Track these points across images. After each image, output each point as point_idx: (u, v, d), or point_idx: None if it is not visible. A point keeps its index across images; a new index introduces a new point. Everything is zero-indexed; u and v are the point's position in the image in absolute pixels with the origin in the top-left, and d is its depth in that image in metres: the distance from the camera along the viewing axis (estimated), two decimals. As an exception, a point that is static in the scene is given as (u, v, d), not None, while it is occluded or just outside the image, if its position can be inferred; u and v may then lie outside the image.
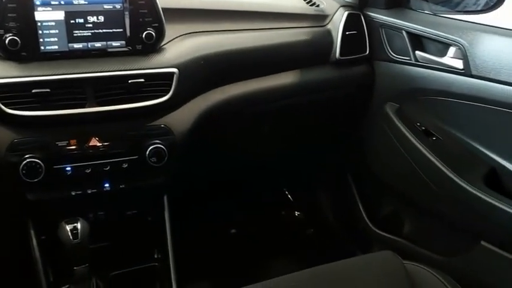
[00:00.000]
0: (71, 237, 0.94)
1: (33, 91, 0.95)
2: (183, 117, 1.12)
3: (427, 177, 1.19)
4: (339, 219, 1.69)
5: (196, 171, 1.36)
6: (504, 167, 1.06)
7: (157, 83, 1.05)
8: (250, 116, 1.28)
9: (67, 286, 1.06)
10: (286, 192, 1.93)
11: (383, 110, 1.31)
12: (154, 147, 1.06)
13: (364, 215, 1.50)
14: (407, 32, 1.20)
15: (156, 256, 1.24)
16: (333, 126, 1.51)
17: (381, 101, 1.33)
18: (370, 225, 1.48)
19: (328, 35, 1.30)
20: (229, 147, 1.35)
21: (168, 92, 1.06)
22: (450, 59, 1.12)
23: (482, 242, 1.11)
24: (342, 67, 1.32)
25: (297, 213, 1.90)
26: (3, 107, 0.94)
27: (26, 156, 0.97)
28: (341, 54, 1.29)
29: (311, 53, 1.30)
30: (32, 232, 1.09)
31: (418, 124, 1.24)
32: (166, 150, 1.07)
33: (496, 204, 1.03)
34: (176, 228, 1.20)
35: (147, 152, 1.06)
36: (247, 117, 1.28)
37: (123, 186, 1.10)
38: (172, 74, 1.06)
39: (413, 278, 1.06)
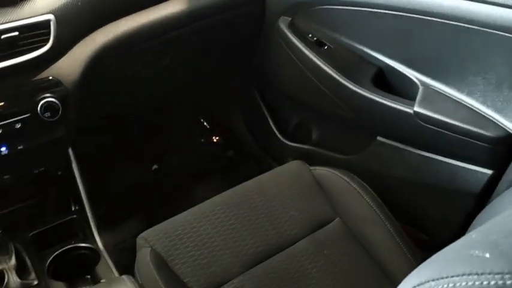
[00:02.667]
0: (-26, 209, 0.91)
1: None
2: (70, 66, 1.06)
3: (323, 86, 1.25)
4: (255, 137, 1.75)
5: (100, 113, 1.32)
6: (389, 65, 1.14)
7: (33, 33, 0.98)
8: (145, 51, 1.24)
9: (-15, 256, 1.05)
10: (202, 120, 1.95)
11: (276, 25, 1.33)
12: (45, 102, 1.02)
13: (275, 130, 1.56)
14: None
15: (73, 208, 1.23)
16: (232, 48, 1.51)
17: (273, 16, 1.34)
18: (282, 138, 1.55)
19: None
20: (131, 85, 1.31)
21: (48, 42, 0.99)
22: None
23: (378, 138, 1.21)
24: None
25: (215, 138, 1.94)
26: None
27: None
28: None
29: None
30: None
31: (310, 35, 1.27)
32: (59, 102, 1.03)
33: (384, 101, 1.11)
34: (89, 175, 1.20)
35: (39, 108, 1.01)
36: (142, 54, 1.24)
37: (21, 147, 1.06)
38: (48, 21, 0.99)
39: (320, 181, 1.15)
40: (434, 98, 1.06)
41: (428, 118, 1.04)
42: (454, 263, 0.31)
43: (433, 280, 0.30)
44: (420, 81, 1.10)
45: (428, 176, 1.13)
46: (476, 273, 0.29)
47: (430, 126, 1.05)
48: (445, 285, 0.30)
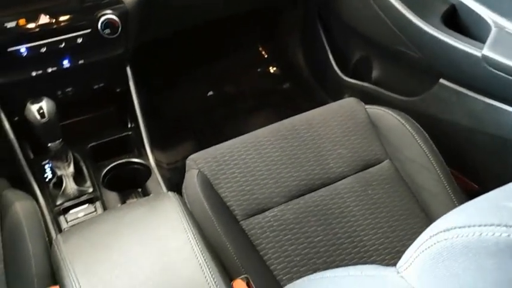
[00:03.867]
0: (38, 117, 0.97)
1: None
2: (131, -17, 1.07)
3: (390, 20, 1.18)
4: (313, 71, 1.70)
5: (158, 33, 1.33)
6: (462, 3, 1.05)
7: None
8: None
9: (46, 161, 1.14)
10: (260, 49, 1.92)
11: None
12: (106, 19, 1.04)
13: (334, 64, 1.51)
14: None
15: (129, 126, 1.29)
16: None
17: None
18: (340, 73, 1.50)
19: None
20: (190, 3, 1.29)
21: None
22: None
23: (441, 80, 1.14)
24: None
25: (272, 69, 1.91)
26: None
27: None
28: None
29: None
30: (3, 115, 1.12)
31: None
32: (119, 20, 1.05)
33: (452, 42, 1.04)
34: (147, 95, 1.23)
35: (100, 25, 1.04)
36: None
37: (82, 61, 1.10)
38: None
39: (374, 120, 1.12)
40: (506, 41, 0.98)
41: (497, 63, 0.96)
42: (485, 213, 0.29)
43: (459, 227, 0.29)
44: (494, 22, 1.01)
45: (489, 124, 1.07)
46: (506, 225, 0.27)
47: (498, 72, 0.97)
48: (471, 234, 0.28)
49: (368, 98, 1.26)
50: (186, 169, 1.01)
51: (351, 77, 1.49)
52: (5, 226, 0.91)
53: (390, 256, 0.95)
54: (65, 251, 0.69)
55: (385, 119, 1.11)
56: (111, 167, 1.15)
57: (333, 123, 1.10)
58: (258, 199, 0.97)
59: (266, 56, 1.91)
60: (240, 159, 1.02)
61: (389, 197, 1.01)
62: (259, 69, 1.91)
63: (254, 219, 0.95)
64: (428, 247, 0.34)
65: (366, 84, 1.43)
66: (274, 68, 1.90)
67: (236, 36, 1.80)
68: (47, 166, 1.14)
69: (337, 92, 1.54)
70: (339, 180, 1.02)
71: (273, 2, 1.62)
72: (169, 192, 0.79)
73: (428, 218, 1.00)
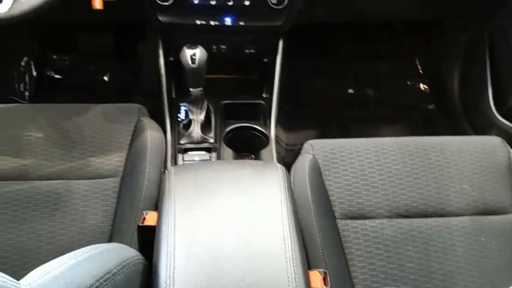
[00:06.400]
0: (189, 62, 1.05)
1: None
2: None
3: None
4: (464, 98, 1.59)
5: (319, 17, 1.34)
6: None
7: None
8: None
9: (184, 104, 1.23)
10: (416, 62, 1.83)
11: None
12: None
13: (490, 98, 1.39)
14: None
15: (264, 95, 1.33)
16: None
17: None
18: (494, 109, 1.37)
19: None
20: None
21: None
22: None
23: None
24: None
25: (421, 85, 1.82)
26: None
27: None
28: None
29: None
30: (161, 52, 1.24)
31: None
32: None
33: None
34: (290, 72, 1.25)
35: None
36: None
37: (242, 23, 1.16)
38: None
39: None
40: None
41: None
42: None
43: None
44: None
45: None
46: None
47: None
48: None
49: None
50: (302, 152, 1.02)
51: (504, 116, 1.36)
52: (132, 147, 1.01)
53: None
54: (173, 182, 0.74)
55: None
56: (236, 126, 1.21)
57: (467, 156, 1.02)
58: (362, 204, 0.95)
59: (419, 70, 1.82)
60: (356, 159, 1.00)
61: (502, 253, 0.91)
62: (408, 82, 1.83)
63: (352, 223, 0.93)
64: None
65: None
66: (424, 86, 1.81)
67: (393, 41, 1.74)
68: (183, 108, 1.24)
69: (483, 127, 1.42)
70: (454, 216, 0.95)
71: (447, 16, 1.53)
72: (279, 164, 0.81)
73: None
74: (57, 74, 1.76)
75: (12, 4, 0.87)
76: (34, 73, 1.74)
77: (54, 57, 1.77)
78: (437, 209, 0.95)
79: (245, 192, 0.73)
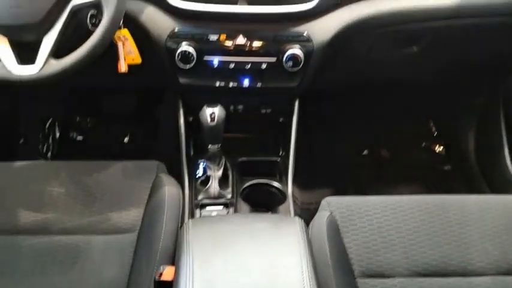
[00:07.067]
0: (208, 119, 1.09)
1: None
2: (324, 27, 1.14)
3: None
4: (480, 159, 1.58)
5: (330, 80, 1.39)
6: None
7: (305, -11, 1.08)
8: (399, 33, 1.23)
9: (202, 160, 1.26)
10: (431, 124, 1.86)
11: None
12: (291, 53, 1.13)
13: (508, 159, 1.39)
14: None
15: (280, 153, 1.36)
16: (498, 55, 1.36)
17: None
18: (511, 168, 1.37)
19: None
20: (369, 60, 1.33)
21: (314, 0, 1.09)
22: None
23: None
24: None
25: (437, 147, 1.83)
26: (168, -1, 1.09)
27: (182, 44, 1.12)
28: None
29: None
30: (181, 112, 1.29)
31: None
32: (303, 56, 1.13)
33: None
34: (304, 130, 1.28)
35: (285, 56, 1.13)
36: (394, 34, 1.24)
37: (259, 84, 1.20)
38: None
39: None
40: None
41: None
42: None
43: None
44: None
45: None
46: None
47: None
48: None
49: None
50: (319, 208, 1.02)
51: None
52: (150, 202, 1.03)
53: None
54: (191, 234, 0.75)
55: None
56: (253, 183, 1.22)
57: (488, 215, 1.01)
58: (381, 262, 0.93)
59: (434, 132, 1.84)
60: (374, 216, 0.99)
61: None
62: (423, 144, 1.84)
63: (371, 281, 0.91)
64: None
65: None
66: (440, 147, 1.82)
67: (408, 102, 1.78)
68: (201, 165, 1.27)
69: (501, 187, 1.40)
70: (476, 275, 0.92)
71: (460, 79, 1.57)
72: (297, 217, 0.81)
73: None
74: (79, 135, 1.82)
75: (43, 66, 0.92)
76: (58, 134, 1.80)
77: (78, 119, 1.84)
78: (458, 268, 0.93)
79: (263, 245, 0.73)
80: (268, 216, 0.84)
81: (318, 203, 1.03)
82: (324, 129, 1.75)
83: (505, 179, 1.39)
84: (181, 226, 0.91)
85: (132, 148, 1.77)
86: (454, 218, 1.00)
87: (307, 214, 1.12)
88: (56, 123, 1.79)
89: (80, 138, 1.82)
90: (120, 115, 1.82)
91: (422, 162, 1.78)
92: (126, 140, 1.80)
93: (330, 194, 1.57)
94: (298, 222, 0.79)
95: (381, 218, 0.99)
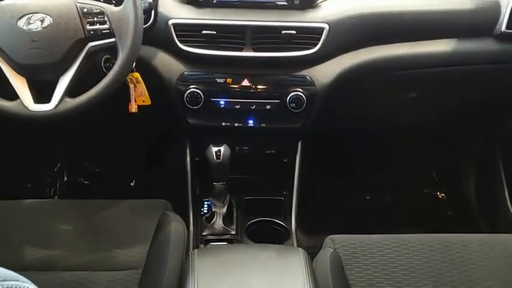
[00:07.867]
0: (214, 158, 1.12)
1: (203, 32, 1.13)
2: (326, 71, 1.20)
3: None
4: (480, 201, 1.59)
5: (333, 121, 1.43)
6: None
7: (307, 36, 1.14)
8: (396, 79, 1.29)
9: (207, 199, 1.28)
10: (431, 171, 1.88)
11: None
12: (295, 95, 1.18)
13: (508, 200, 1.40)
14: None
15: (284, 192, 1.38)
16: (496, 102, 1.41)
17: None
18: (512, 210, 1.38)
19: (496, 6, 1.22)
20: (368, 106, 1.38)
21: (316, 45, 1.15)
22: None
23: None
24: (507, 41, 1.23)
25: (440, 194, 1.84)
26: (179, 43, 1.14)
27: (191, 86, 1.17)
28: (508, 27, 1.20)
29: (473, 23, 1.24)
30: (188, 152, 1.32)
31: None
32: (306, 99, 1.18)
33: None
34: (308, 171, 1.31)
35: (288, 98, 1.18)
36: (392, 80, 1.29)
37: (264, 125, 1.25)
38: (322, 29, 1.14)
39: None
40: None
41: None
42: None
43: None
44: None
45: None
46: None
47: None
48: None
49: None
50: (323, 245, 1.02)
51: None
52: (156, 239, 1.03)
53: None
54: (196, 263, 0.76)
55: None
56: (257, 220, 1.23)
57: (492, 254, 1.01)
58: (387, 301, 0.92)
59: (435, 177, 1.86)
60: (377, 254, 0.99)
61: None
62: (425, 190, 1.85)
63: (376, 318, 0.90)
64: None
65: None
66: (441, 193, 1.83)
67: (410, 150, 1.81)
68: (206, 203, 1.29)
69: (502, 227, 1.41)
70: (481, 313, 0.92)
71: (457, 124, 1.60)
72: (300, 249, 0.82)
73: None
74: (86, 180, 1.84)
75: (58, 104, 0.96)
76: (65, 178, 1.83)
77: (86, 164, 1.87)
78: (465, 306, 0.92)
79: (267, 273, 0.74)
80: (273, 246, 0.85)
81: (321, 245, 1.04)
82: (328, 170, 1.77)
83: (507, 221, 1.40)
84: (185, 261, 0.91)
85: (138, 189, 1.79)
86: (458, 256, 1.00)
87: (310, 255, 1.12)
88: (64, 168, 1.82)
89: (87, 182, 1.84)
90: (128, 159, 1.86)
91: (424, 207, 1.79)
92: (132, 184, 1.83)
93: (334, 233, 1.58)
94: (302, 253, 0.80)
95: (385, 256, 0.99)
